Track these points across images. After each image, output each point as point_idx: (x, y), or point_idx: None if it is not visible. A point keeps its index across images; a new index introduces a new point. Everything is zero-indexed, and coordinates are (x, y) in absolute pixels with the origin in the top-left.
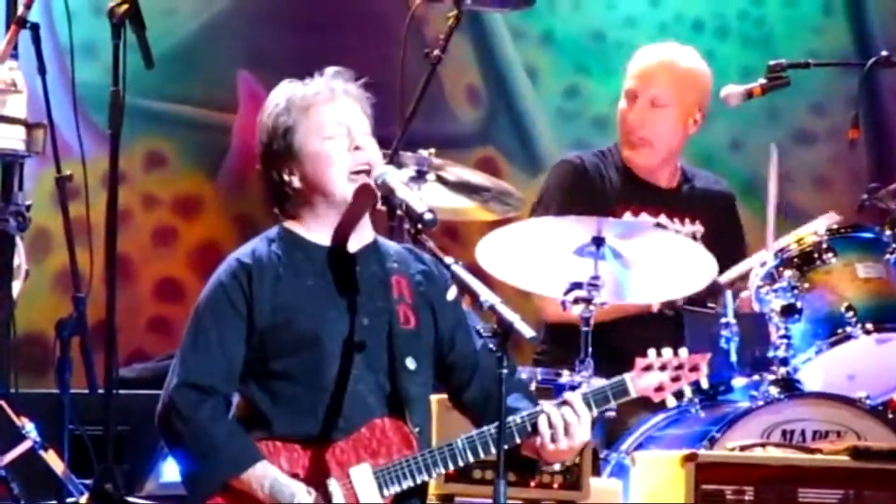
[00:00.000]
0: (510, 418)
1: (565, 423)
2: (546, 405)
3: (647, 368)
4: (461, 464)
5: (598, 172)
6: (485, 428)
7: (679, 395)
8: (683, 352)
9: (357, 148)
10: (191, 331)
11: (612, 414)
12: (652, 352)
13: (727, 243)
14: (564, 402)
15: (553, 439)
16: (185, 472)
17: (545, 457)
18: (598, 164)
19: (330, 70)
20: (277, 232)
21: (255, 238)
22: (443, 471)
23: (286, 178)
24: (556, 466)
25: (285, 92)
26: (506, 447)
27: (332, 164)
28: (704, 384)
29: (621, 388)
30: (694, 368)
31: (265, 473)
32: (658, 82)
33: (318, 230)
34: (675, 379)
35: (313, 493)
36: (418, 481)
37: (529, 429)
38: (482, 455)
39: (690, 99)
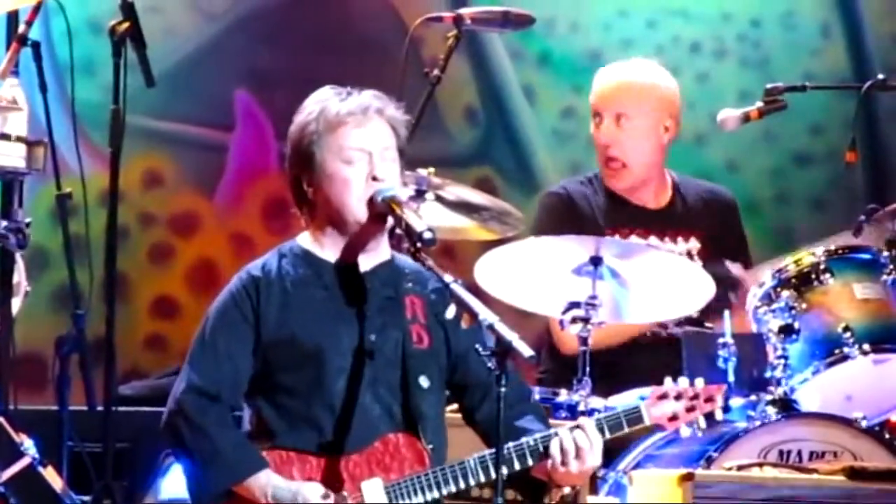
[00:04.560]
0: (523, 439)
1: (577, 448)
2: (560, 429)
3: (663, 397)
4: (472, 482)
5: (584, 200)
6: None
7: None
8: (700, 382)
9: (374, 178)
10: (199, 339)
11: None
12: (668, 380)
13: (728, 251)
14: (578, 427)
15: (564, 462)
16: (188, 477)
17: (556, 479)
18: (584, 190)
19: (370, 92)
20: (291, 247)
21: (268, 252)
22: (454, 489)
23: (305, 187)
24: (567, 489)
25: (322, 100)
26: (518, 468)
27: (348, 189)
28: (719, 416)
29: (636, 416)
30: (709, 399)
31: (267, 482)
32: (618, 99)
33: (330, 246)
34: (690, 409)
35: (321, 488)
36: (428, 498)
37: (542, 451)
38: (493, 475)
39: (655, 109)
